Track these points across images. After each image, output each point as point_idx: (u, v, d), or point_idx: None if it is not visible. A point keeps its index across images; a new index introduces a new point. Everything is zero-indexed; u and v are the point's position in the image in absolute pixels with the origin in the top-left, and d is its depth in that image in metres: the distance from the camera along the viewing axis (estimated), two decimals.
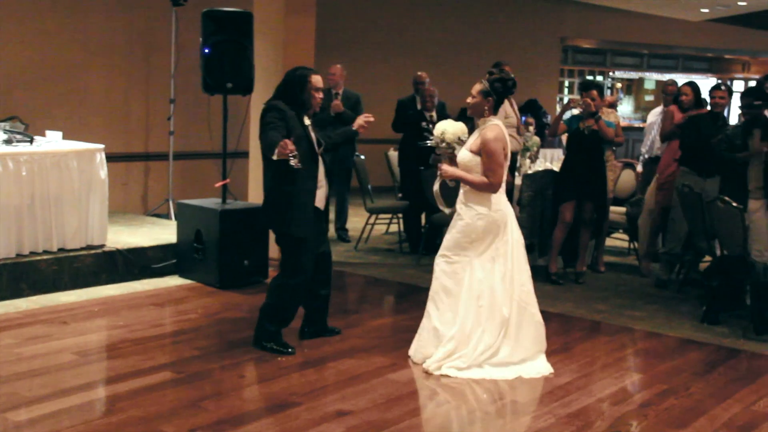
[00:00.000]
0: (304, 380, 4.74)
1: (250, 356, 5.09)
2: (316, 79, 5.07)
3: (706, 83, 18.29)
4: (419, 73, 8.77)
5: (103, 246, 6.73)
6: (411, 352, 5.18)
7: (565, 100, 10.31)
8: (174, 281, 6.93)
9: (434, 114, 8.35)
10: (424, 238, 8.16)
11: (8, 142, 6.35)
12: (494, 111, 5.05)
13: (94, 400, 4.40)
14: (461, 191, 5.10)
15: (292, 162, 4.69)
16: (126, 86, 9.17)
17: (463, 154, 5.06)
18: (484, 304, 4.93)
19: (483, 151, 4.94)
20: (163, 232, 7.54)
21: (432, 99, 8.34)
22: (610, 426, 4.29)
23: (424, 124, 8.33)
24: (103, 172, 6.71)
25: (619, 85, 18.52)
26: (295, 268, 5.10)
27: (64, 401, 4.26)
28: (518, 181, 7.69)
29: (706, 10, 14.78)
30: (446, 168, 5.05)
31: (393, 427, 4.15)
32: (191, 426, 4.04)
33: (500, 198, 5.02)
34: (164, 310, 6.19)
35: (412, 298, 6.73)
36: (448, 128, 5.09)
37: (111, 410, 4.22)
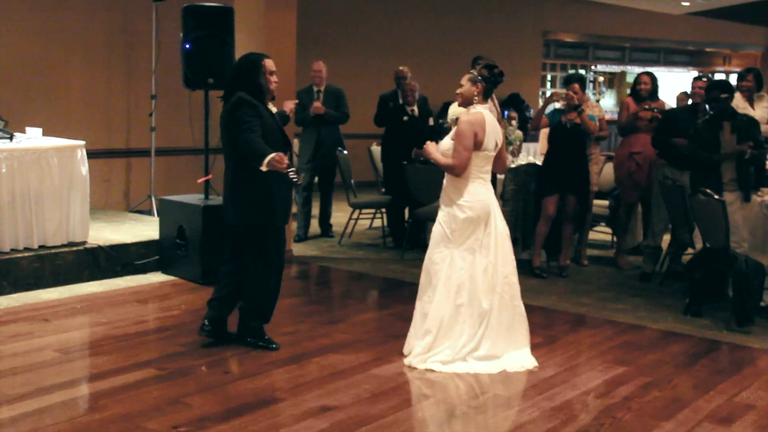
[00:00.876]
0: (288, 376, 4.72)
1: (234, 352, 5.07)
2: (269, 63, 5.03)
3: (687, 76, 18.42)
4: (401, 67, 8.76)
5: (84, 243, 6.69)
6: (406, 351, 5.15)
7: (548, 94, 10.33)
8: (157, 278, 6.89)
9: (415, 108, 8.35)
10: (407, 233, 8.16)
11: None
12: (484, 98, 5.06)
13: (77, 397, 4.37)
14: (444, 183, 5.12)
15: (293, 177, 4.74)
16: (107, 82, 9.11)
17: (444, 142, 5.10)
18: (464, 295, 4.93)
19: (454, 133, 4.97)
20: (146, 229, 7.50)
21: (413, 93, 8.34)
22: (594, 419, 4.31)
23: (406, 118, 8.34)
24: (84, 169, 6.66)
25: (601, 78, 18.58)
26: (269, 259, 5.07)
27: (46, 399, 4.23)
28: (501, 175, 7.69)
29: (687, 4, 14.85)
30: (426, 147, 5.09)
31: (377, 422, 4.15)
32: (174, 422, 4.02)
33: (480, 188, 5.01)
34: (147, 306, 6.16)
35: (396, 293, 6.72)
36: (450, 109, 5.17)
37: (94, 407, 4.19)
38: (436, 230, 5.07)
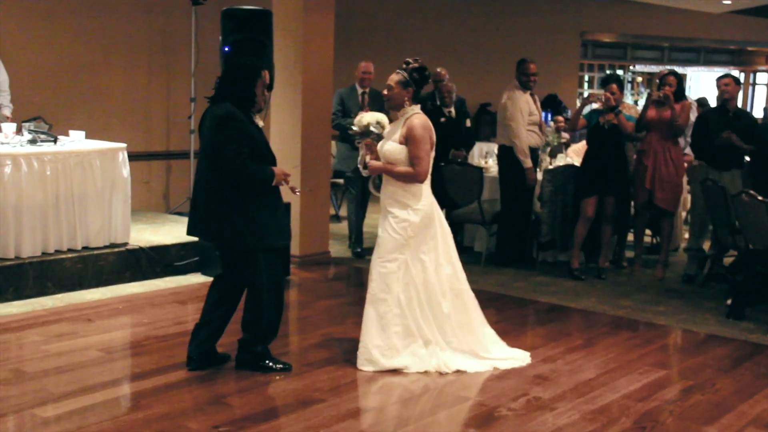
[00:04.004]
0: (327, 377, 4.75)
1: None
2: (266, 75, 4.74)
3: None
4: (438, 69, 8.72)
5: (126, 244, 6.78)
6: (361, 364, 4.91)
7: (585, 95, 10.25)
8: (196, 279, 6.96)
9: (452, 109, 8.31)
10: None
11: (33, 141, 6.40)
12: (414, 100, 4.96)
13: (120, 396, 4.44)
14: (389, 188, 4.94)
15: (296, 191, 4.83)
16: (147, 85, 9.22)
17: (390, 146, 4.90)
18: (423, 300, 4.87)
19: (409, 139, 4.82)
20: (185, 230, 7.55)
21: (450, 95, 8.28)
22: (635, 422, 4.27)
23: (443, 119, 8.30)
24: (125, 171, 6.75)
25: (639, 79, 18.41)
26: (271, 275, 4.72)
27: (90, 398, 4.30)
28: (539, 176, 7.66)
29: (728, 2, 14.64)
30: (372, 164, 4.93)
31: (415, 423, 4.16)
32: (215, 422, 4.06)
33: (427, 190, 4.93)
34: (187, 307, 6.23)
35: None
36: (365, 115, 5.04)
37: (136, 406, 4.25)
38: (386, 238, 4.87)
